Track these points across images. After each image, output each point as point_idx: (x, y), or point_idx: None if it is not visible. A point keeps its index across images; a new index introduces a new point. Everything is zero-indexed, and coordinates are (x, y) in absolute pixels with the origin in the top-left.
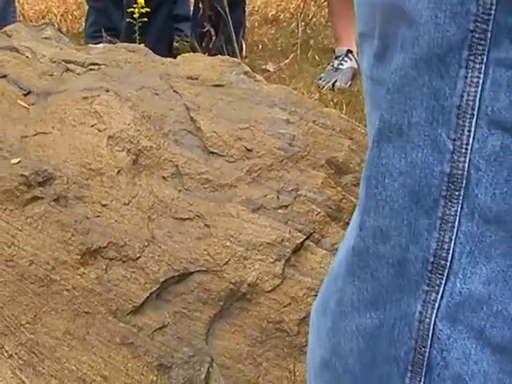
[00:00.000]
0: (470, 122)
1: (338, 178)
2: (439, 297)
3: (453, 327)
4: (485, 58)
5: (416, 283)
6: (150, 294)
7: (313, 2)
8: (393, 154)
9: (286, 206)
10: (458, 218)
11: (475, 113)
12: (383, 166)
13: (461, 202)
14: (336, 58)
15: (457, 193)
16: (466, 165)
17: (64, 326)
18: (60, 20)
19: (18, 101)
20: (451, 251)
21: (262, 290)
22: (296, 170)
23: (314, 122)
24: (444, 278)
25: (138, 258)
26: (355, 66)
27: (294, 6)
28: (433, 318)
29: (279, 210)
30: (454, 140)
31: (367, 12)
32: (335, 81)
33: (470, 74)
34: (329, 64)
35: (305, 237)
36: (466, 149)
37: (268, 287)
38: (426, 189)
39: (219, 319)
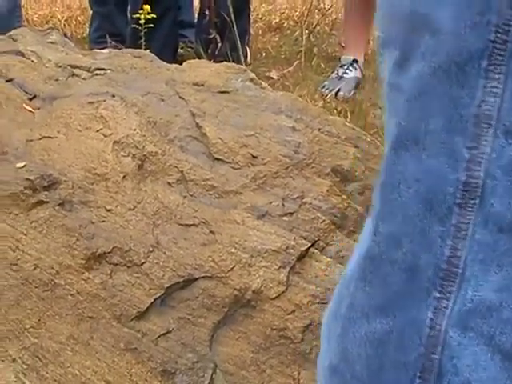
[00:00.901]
0: (488, 132)
1: (342, 186)
2: (451, 304)
3: (463, 334)
4: (504, 68)
5: (427, 290)
6: (155, 299)
7: (317, 10)
8: (409, 161)
9: (291, 214)
10: (471, 226)
11: (493, 122)
12: (399, 172)
13: (475, 210)
14: (341, 66)
15: (472, 201)
16: (482, 173)
17: (68, 330)
18: (64, 25)
19: (24, 105)
20: (464, 259)
21: (267, 297)
22: (301, 177)
23: (319, 129)
24: (456, 286)
25: (142, 264)
26: (359, 75)
27: (298, 13)
28: (444, 325)
29: (284, 218)
30: (471, 149)
31: (391, 20)
32: (338, 90)
33: (489, 84)
34: (333, 72)
35: (309, 244)
36: (482, 158)
37: (272, 294)
38: (441, 196)
39: (223, 326)
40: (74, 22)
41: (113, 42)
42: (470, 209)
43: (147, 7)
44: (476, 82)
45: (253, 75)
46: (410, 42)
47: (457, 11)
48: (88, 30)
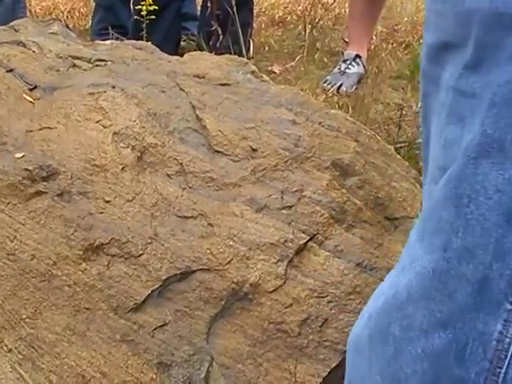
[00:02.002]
0: None
1: (342, 180)
2: None
3: None
4: None
5: (498, 302)
6: (152, 291)
7: (320, 5)
8: (490, 171)
9: (290, 207)
10: None
11: None
12: (478, 183)
13: None
14: (344, 61)
15: None
16: None
17: (64, 321)
18: (67, 17)
19: (24, 95)
20: None
21: (264, 291)
22: (301, 170)
23: (319, 123)
24: None
25: (140, 255)
26: (362, 71)
27: (301, 8)
28: None
29: (283, 211)
30: None
31: (455, 21)
32: (341, 84)
33: None
34: (335, 67)
35: (308, 238)
36: None
37: (270, 288)
38: None
39: (220, 318)
40: (77, 14)
41: (115, 34)
42: None
43: None
44: None
45: (254, 68)
46: (487, 43)
47: None
48: (90, 21)
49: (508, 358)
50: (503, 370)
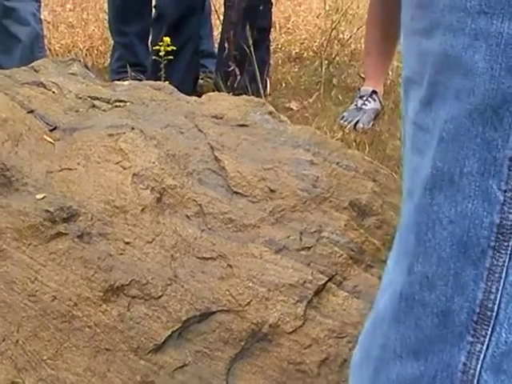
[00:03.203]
0: None
1: (360, 221)
2: (484, 348)
3: (496, 377)
4: None
5: (460, 334)
6: (172, 332)
7: (336, 41)
8: (444, 202)
9: (309, 248)
10: (505, 268)
11: None
12: (434, 213)
13: (509, 252)
14: (360, 97)
15: (505, 244)
16: None
17: (85, 362)
18: (86, 54)
19: (44, 136)
20: (498, 302)
21: (284, 331)
22: (319, 211)
23: (337, 163)
24: (490, 329)
25: (160, 297)
26: (379, 107)
27: (317, 44)
28: (478, 369)
29: (302, 252)
30: (505, 191)
31: (417, 59)
32: (357, 121)
33: None
34: (352, 103)
35: (327, 279)
36: None
37: (289, 328)
38: (475, 239)
39: (240, 359)
40: (96, 52)
41: (133, 73)
42: (503, 251)
43: (167, 39)
44: (510, 124)
45: (271, 108)
46: (437, 82)
47: (491, 54)
48: (109, 59)
49: None
50: None
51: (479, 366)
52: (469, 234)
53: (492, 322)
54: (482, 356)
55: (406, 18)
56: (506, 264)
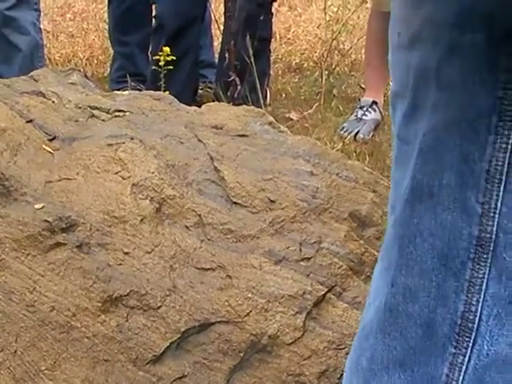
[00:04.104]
0: (499, 187)
1: (360, 231)
2: (466, 359)
3: None
4: None
5: (443, 346)
6: (171, 343)
7: (336, 51)
8: (424, 215)
9: (308, 259)
10: (485, 280)
11: (503, 178)
12: (415, 225)
13: (489, 264)
14: (360, 107)
15: (485, 256)
16: (495, 228)
17: (83, 373)
18: (85, 64)
19: (44, 146)
20: (479, 313)
21: (283, 343)
22: (319, 222)
23: (337, 174)
24: (471, 341)
25: (159, 307)
26: (379, 117)
27: (317, 54)
28: (460, 381)
29: (301, 263)
30: (483, 204)
31: (402, 74)
32: (357, 131)
33: (498, 140)
34: (352, 113)
35: (326, 290)
36: (495, 212)
37: (289, 340)
38: (455, 251)
39: (239, 370)
40: (95, 62)
41: (133, 83)
42: (483, 263)
43: (167, 49)
44: (486, 137)
45: (271, 119)
46: (418, 95)
47: (465, 68)
48: (109, 69)
49: None
50: None
51: (461, 378)
52: (449, 246)
53: (473, 334)
54: (464, 368)
55: (394, 35)
56: (486, 276)
